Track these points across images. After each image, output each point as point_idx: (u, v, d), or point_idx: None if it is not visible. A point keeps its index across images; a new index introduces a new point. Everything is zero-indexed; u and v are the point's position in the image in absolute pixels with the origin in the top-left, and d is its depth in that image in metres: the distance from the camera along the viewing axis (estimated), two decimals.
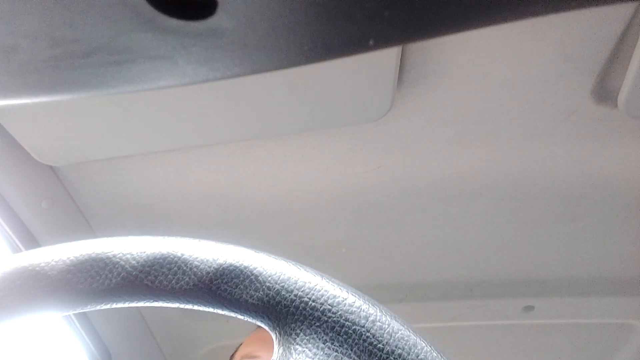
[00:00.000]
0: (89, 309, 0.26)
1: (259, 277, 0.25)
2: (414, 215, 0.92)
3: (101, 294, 0.25)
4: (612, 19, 0.64)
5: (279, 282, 0.25)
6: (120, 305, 0.26)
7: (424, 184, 0.86)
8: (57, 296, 0.25)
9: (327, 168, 0.83)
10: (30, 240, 0.86)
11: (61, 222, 0.88)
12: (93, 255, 0.26)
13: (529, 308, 1.09)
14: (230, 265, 0.25)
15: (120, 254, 0.25)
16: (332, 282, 0.25)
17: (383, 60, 0.65)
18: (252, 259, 0.25)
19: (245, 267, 0.25)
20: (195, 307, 0.25)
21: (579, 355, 1.23)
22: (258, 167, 0.83)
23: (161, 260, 0.25)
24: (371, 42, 0.20)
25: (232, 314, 0.25)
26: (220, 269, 0.25)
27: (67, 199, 0.88)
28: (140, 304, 0.26)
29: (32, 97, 0.24)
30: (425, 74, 0.70)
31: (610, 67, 0.68)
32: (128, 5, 0.18)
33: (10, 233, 0.84)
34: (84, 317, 0.97)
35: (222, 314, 0.26)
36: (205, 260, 0.25)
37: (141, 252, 0.25)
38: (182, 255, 0.25)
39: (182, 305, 0.25)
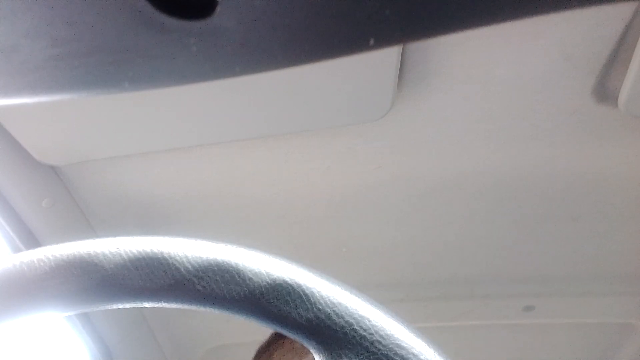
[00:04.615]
0: (134, 305, 0.26)
1: (311, 298, 0.24)
2: (414, 215, 0.92)
3: (152, 293, 0.25)
4: (612, 18, 0.64)
5: (330, 305, 0.24)
6: (167, 305, 0.26)
7: (424, 183, 0.86)
8: (108, 290, 0.25)
9: (327, 168, 0.83)
10: (31, 239, 0.86)
11: (62, 221, 0.88)
12: (150, 253, 0.25)
13: (530, 308, 1.09)
14: (284, 281, 0.25)
15: (177, 256, 0.25)
16: (385, 312, 0.25)
17: (383, 60, 0.65)
18: (306, 277, 0.25)
19: (298, 286, 0.25)
20: (242, 318, 0.25)
21: (579, 355, 1.23)
22: (258, 167, 0.83)
23: (215, 268, 0.25)
24: (371, 42, 0.20)
25: (279, 330, 0.25)
26: (273, 284, 0.24)
27: (67, 199, 0.88)
28: (187, 307, 0.26)
29: (32, 96, 0.24)
30: (426, 74, 0.70)
31: (611, 66, 0.68)
32: (128, 5, 0.18)
33: (11, 232, 0.84)
34: (85, 317, 0.97)
35: (221, 314, 0.26)
36: (259, 273, 0.25)
37: (197, 257, 0.25)
38: (237, 265, 0.25)
39: (229, 314, 0.25)
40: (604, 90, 0.71)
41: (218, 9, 0.19)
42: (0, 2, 0.19)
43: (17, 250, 0.85)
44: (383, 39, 0.20)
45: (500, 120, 0.76)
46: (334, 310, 0.24)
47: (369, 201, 0.89)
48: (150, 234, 0.27)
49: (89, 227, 0.93)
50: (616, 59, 0.68)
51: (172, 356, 1.16)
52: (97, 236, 0.95)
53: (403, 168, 0.84)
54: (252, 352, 1.22)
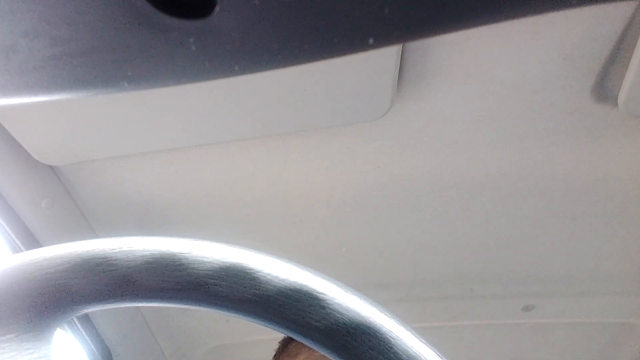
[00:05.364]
0: (214, 311, 0.26)
1: (394, 344, 0.24)
2: (414, 215, 0.92)
3: (235, 304, 0.25)
4: (612, 18, 0.64)
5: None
6: (245, 318, 0.26)
7: (424, 183, 0.86)
8: (195, 293, 0.25)
9: (327, 167, 0.83)
10: (30, 239, 0.86)
11: (61, 221, 0.88)
12: (243, 263, 0.25)
13: (529, 307, 1.09)
14: (375, 327, 0.24)
15: (265, 273, 0.25)
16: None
17: (383, 59, 0.65)
18: (389, 323, 0.24)
19: (385, 330, 0.24)
20: (326, 353, 0.25)
21: (578, 355, 1.23)
22: (258, 167, 0.83)
23: (301, 295, 0.24)
24: (371, 41, 0.20)
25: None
26: (363, 325, 0.24)
27: (67, 199, 0.88)
28: (271, 327, 0.25)
29: (31, 96, 0.24)
30: (425, 74, 0.70)
31: (611, 66, 0.68)
32: (127, 4, 0.18)
33: (10, 233, 0.84)
34: (84, 317, 0.97)
35: (222, 314, 0.26)
36: (344, 311, 0.24)
37: (284, 278, 0.25)
38: (320, 294, 0.24)
39: (313, 346, 0.25)
40: (604, 90, 0.71)
41: (217, 8, 0.19)
42: (0, 2, 0.19)
43: (16, 250, 0.85)
44: (382, 39, 0.20)
45: (500, 120, 0.76)
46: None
47: (368, 201, 0.89)
48: (149, 234, 0.27)
49: (88, 227, 0.93)
50: (616, 59, 0.68)
51: (172, 356, 1.16)
52: (97, 236, 0.95)
53: (403, 168, 0.84)
54: (252, 352, 1.22)
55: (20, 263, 0.26)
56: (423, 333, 0.25)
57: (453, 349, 1.22)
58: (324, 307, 0.24)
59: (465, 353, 1.24)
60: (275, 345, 0.85)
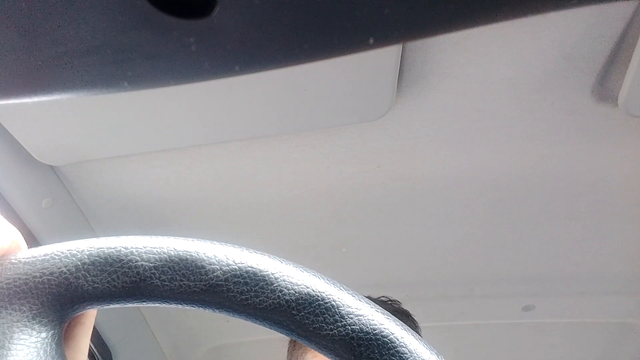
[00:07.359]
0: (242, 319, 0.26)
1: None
2: (414, 215, 0.92)
3: (256, 313, 0.25)
4: (612, 17, 0.64)
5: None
6: (267, 326, 0.26)
7: (424, 183, 0.86)
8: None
9: (327, 167, 0.83)
10: (31, 239, 0.86)
11: (61, 221, 0.88)
12: (264, 272, 0.25)
13: (529, 307, 1.09)
14: (384, 333, 0.24)
15: (283, 278, 0.25)
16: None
17: (383, 59, 0.65)
18: (407, 336, 0.25)
19: (397, 338, 0.24)
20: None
21: (578, 355, 1.23)
22: (258, 167, 0.83)
23: (316, 307, 0.25)
24: (371, 41, 0.20)
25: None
26: (375, 338, 0.24)
27: (67, 199, 0.88)
28: (285, 334, 0.26)
29: (32, 96, 0.24)
30: (425, 74, 0.70)
31: (611, 66, 0.68)
32: (128, 4, 0.18)
33: None
34: None
35: (221, 314, 0.26)
36: (353, 317, 0.25)
37: (301, 287, 0.25)
38: (335, 301, 0.25)
39: (325, 355, 0.25)
40: (604, 90, 0.71)
41: (217, 8, 0.19)
42: (2, 3, 0.19)
43: None
44: (382, 38, 0.20)
45: (500, 119, 0.76)
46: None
47: (368, 201, 0.89)
48: (149, 233, 0.27)
49: (89, 227, 0.93)
50: (616, 59, 0.68)
51: (172, 356, 1.16)
52: (97, 236, 0.95)
53: (403, 168, 0.84)
54: (252, 352, 1.22)
55: (43, 253, 0.28)
56: (422, 333, 0.25)
57: (453, 349, 1.22)
58: (334, 315, 0.25)
59: (465, 353, 1.24)
60: (274, 345, 0.85)
